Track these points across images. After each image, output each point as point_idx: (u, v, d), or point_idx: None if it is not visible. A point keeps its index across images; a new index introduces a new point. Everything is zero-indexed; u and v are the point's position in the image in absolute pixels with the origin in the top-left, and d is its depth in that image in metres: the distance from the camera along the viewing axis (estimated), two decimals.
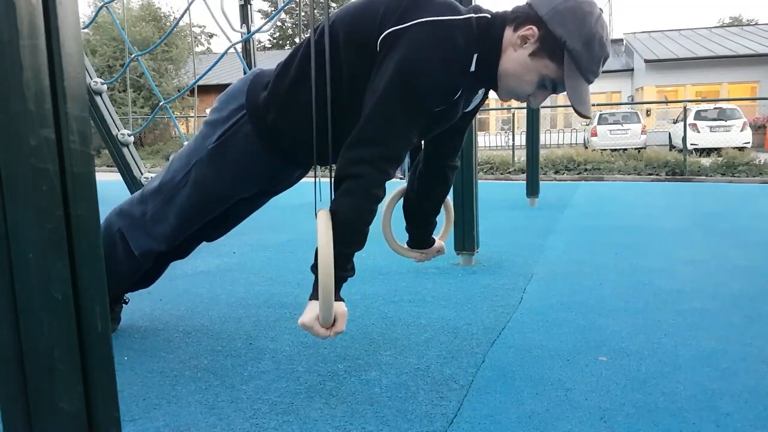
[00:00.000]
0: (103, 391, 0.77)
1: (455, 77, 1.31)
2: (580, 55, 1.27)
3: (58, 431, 0.74)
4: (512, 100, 1.43)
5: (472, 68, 1.33)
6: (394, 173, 1.31)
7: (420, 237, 1.76)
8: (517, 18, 1.31)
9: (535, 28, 1.28)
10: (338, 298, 1.24)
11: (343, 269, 1.26)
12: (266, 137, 1.50)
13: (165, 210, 1.61)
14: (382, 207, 1.69)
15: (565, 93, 1.32)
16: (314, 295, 1.23)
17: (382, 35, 1.29)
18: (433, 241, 1.78)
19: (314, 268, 1.23)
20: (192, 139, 1.63)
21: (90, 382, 0.76)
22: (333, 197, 1.28)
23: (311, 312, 1.22)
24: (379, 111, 1.27)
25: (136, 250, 1.66)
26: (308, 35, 1.40)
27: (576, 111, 1.31)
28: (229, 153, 1.52)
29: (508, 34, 1.32)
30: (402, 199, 1.73)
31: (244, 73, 5.19)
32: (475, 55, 1.32)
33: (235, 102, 1.54)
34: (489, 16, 1.35)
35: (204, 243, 1.92)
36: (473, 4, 1.40)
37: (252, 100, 1.50)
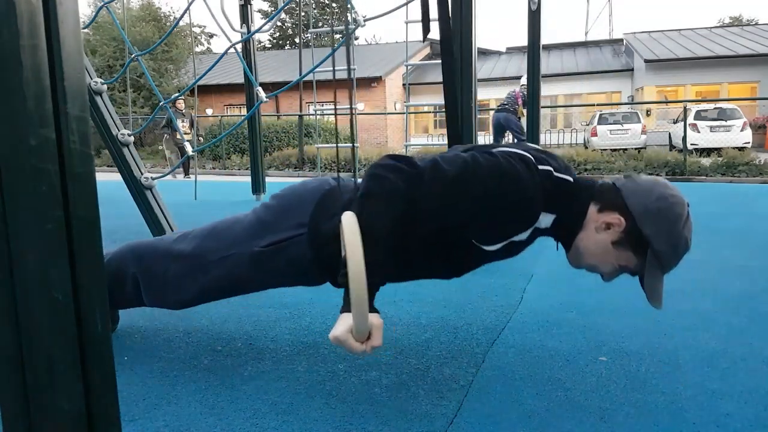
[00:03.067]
0: (103, 391, 0.77)
1: (522, 218, 1.29)
2: (665, 256, 1.28)
3: (58, 431, 0.74)
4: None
5: (547, 225, 1.33)
6: (409, 206, 1.21)
7: None
8: (604, 201, 1.31)
9: (622, 219, 1.28)
10: (373, 309, 1.12)
11: (376, 276, 1.12)
12: (320, 262, 1.44)
13: (188, 279, 1.56)
14: None
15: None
16: (346, 308, 1.10)
17: None
18: None
19: (342, 277, 1.10)
20: (237, 223, 1.56)
21: (90, 382, 0.76)
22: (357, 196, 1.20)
23: (344, 325, 1.09)
24: (444, 165, 1.23)
25: (147, 302, 1.64)
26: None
27: (651, 303, 1.32)
28: (274, 262, 1.48)
29: (592, 211, 1.32)
30: None
31: (245, 72, 5.20)
32: (553, 216, 1.32)
33: (296, 216, 1.47)
34: (571, 180, 1.34)
35: None
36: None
37: (315, 226, 1.43)
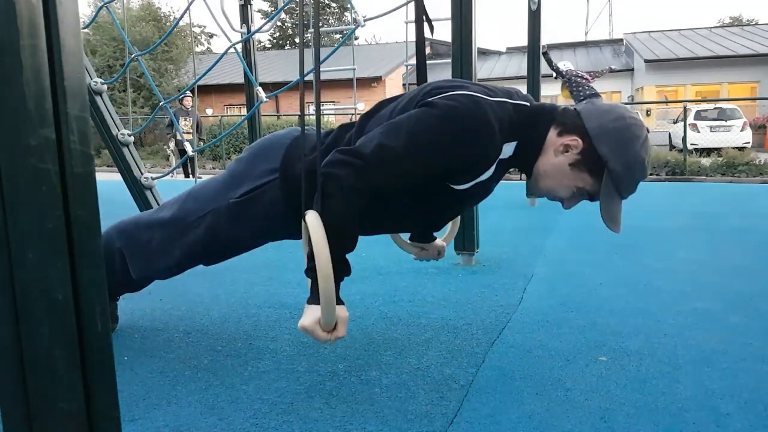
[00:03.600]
0: (103, 391, 0.77)
1: (481, 156, 1.28)
2: (619, 177, 1.27)
3: (58, 431, 0.74)
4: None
5: (509, 154, 1.33)
6: (366, 195, 1.24)
7: (420, 230, 1.76)
8: (565, 124, 1.31)
9: (579, 140, 1.28)
10: (339, 301, 1.19)
11: (340, 271, 1.22)
12: (294, 208, 1.44)
13: (172, 244, 1.59)
14: None
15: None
16: (312, 299, 1.18)
17: (418, 105, 1.29)
18: (434, 239, 1.78)
19: (309, 271, 1.19)
20: (213, 181, 1.60)
21: (90, 382, 0.76)
22: (317, 197, 1.23)
23: (311, 315, 1.18)
24: (387, 141, 1.23)
25: (134, 273, 1.64)
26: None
27: (607, 226, 1.32)
28: (251, 212, 1.50)
29: (552, 135, 1.32)
30: None
31: (245, 72, 5.20)
32: (515, 143, 1.32)
33: (267, 162, 1.49)
34: (528, 104, 1.34)
35: None
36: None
37: (287, 170, 1.45)
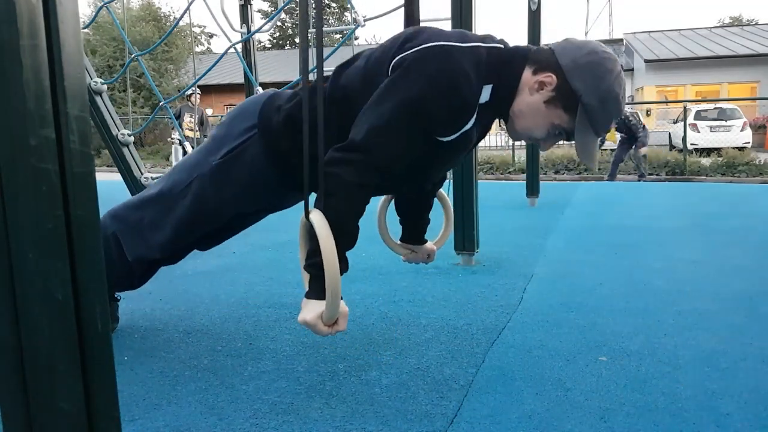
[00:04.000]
0: (103, 391, 0.77)
1: (463, 104, 1.28)
2: (594, 111, 1.27)
3: (58, 431, 0.74)
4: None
5: (486, 99, 1.32)
6: (378, 182, 1.26)
7: (410, 231, 1.77)
8: (539, 62, 1.31)
9: (553, 76, 1.28)
10: None
11: (344, 267, 1.25)
12: (276, 162, 1.47)
13: (162, 219, 1.60)
14: (379, 198, 1.70)
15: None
16: (312, 294, 1.20)
17: (392, 63, 1.30)
18: (425, 241, 1.78)
19: (310, 267, 1.21)
20: (195, 151, 1.62)
21: (90, 382, 0.76)
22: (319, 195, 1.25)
23: (314, 310, 1.19)
24: (375, 121, 1.25)
25: (129, 255, 1.64)
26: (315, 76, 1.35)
27: (582, 161, 1.33)
28: (234, 171, 1.51)
29: (527, 75, 1.32)
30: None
31: (245, 72, 5.20)
32: (490, 87, 1.31)
33: (245, 121, 1.51)
34: (502, 47, 1.34)
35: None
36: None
37: (265, 122, 1.48)
